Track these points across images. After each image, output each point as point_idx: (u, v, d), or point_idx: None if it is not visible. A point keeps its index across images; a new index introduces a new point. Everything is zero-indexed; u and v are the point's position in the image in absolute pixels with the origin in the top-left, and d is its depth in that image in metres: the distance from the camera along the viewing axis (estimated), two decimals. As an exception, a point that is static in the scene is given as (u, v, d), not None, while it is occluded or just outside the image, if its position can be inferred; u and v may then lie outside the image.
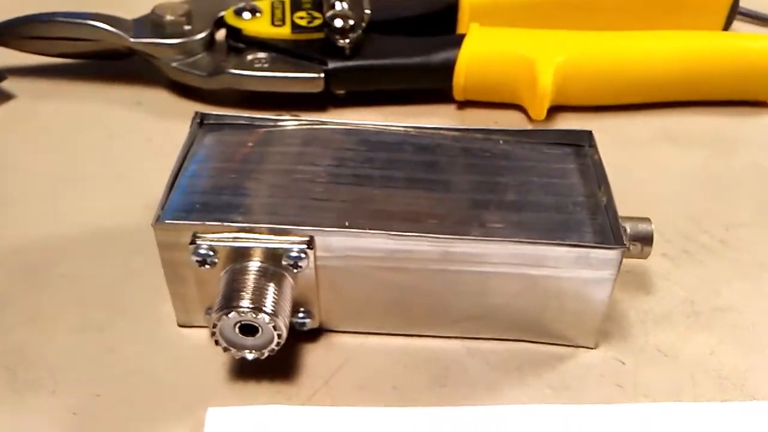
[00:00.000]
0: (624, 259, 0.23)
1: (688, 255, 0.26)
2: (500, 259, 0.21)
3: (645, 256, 0.23)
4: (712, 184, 0.30)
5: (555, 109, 0.33)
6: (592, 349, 0.23)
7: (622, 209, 0.23)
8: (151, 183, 0.28)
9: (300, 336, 0.23)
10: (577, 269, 0.21)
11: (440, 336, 0.23)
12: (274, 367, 0.22)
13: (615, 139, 0.32)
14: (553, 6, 0.35)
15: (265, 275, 0.20)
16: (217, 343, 0.21)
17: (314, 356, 0.22)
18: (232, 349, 0.21)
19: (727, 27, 0.37)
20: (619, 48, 0.32)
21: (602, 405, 0.21)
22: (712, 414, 0.21)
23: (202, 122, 0.25)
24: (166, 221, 0.21)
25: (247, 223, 0.21)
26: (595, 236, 0.21)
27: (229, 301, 0.20)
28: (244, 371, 0.22)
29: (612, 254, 0.21)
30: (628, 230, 0.23)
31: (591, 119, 0.32)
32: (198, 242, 0.20)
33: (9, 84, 0.33)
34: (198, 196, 0.22)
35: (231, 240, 0.20)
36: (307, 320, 0.22)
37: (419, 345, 0.23)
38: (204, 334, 0.23)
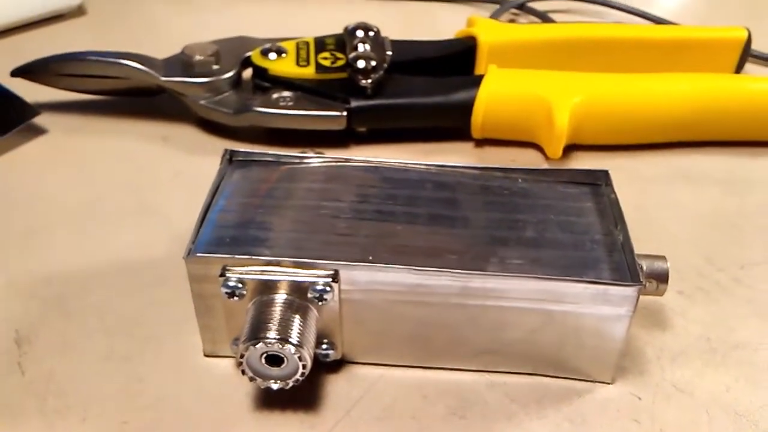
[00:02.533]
0: (640, 296, 0.24)
1: (703, 292, 0.27)
2: (519, 294, 0.21)
3: (661, 294, 0.24)
4: (726, 223, 0.30)
5: (571, 148, 0.33)
6: (609, 384, 0.23)
7: (638, 247, 0.23)
8: (177, 216, 0.29)
9: (323, 367, 0.23)
10: (594, 306, 0.21)
11: (459, 369, 0.23)
12: (298, 397, 0.22)
13: (629, 178, 0.32)
14: (570, 48, 0.36)
15: (291, 307, 0.21)
16: (243, 373, 0.21)
17: (336, 387, 0.23)
18: (258, 379, 0.21)
19: (739, 69, 0.38)
20: (634, 89, 0.33)
21: (619, 440, 0.22)
22: (728, 450, 0.21)
23: (231, 159, 0.26)
24: (198, 254, 0.21)
25: (275, 256, 0.21)
26: (612, 273, 0.22)
27: (257, 332, 0.20)
28: (269, 401, 0.22)
29: (629, 291, 0.21)
30: (644, 268, 0.23)
31: (606, 158, 0.33)
32: (227, 275, 0.21)
33: (42, 119, 0.34)
34: (227, 231, 0.22)
35: (259, 273, 0.21)
36: (331, 351, 0.23)
37: (439, 377, 0.23)
38: (230, 363, 0.23)
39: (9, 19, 0.42)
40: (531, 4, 0.45)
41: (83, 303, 0.26)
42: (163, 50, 0.35)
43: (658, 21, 0.44)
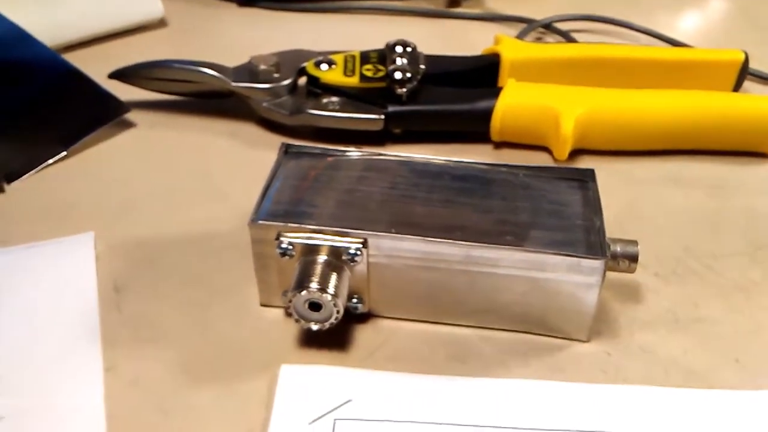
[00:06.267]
0: (618, 274, 0.29)
1: (676, 276, 0.32)
2: (510, 263, 0.27)
3: (632, 271, 0.29)
4: (707, 221, 0.35)
5: (576, 152, 0.38)
6: (585, 342, 0.29)
7: (625, 236, 0.28)
8: (240, 197, 0.35)
9: (353, 318, 0.29)
10: (570, 275, 0.27)
11: (461, 324, 0.29)
12: (333, 339, 0.28)
13: (625, 179, 0.37)
14: (581, 66, 0.41)
15: (329, 266, 0.27)
16: (290, 315, 0.27)
17: (363, 334, 0.29)
18: (301, 320, 0.27)
19: (737, 87, 0.42)
20: (632, 103, 0.37)
21: (587, 384, 0.27)
22: (675, 395, 0.26)
23: (287, 150, 0.32)
24: (259, 222, 0.27)
25: (318, 226, 0.27)
26: (586, 250, 0.27)
27: (302, 283, 0.26)
28: (310, 340, 0.28)
29: (597, 264, 0.26)
30: (619, 249, 0.28)
31: (606, 161, 0.38)
32: (281, 239, 0.27)
33: (132, 115, 0.41)
34: (282, 205, 0.28)
35: (305, 238, 0.27)
36: (359, 305, 0.29)
37: (444, 330, 0.29)
38: (280, 312, 0.29)
39: (100, 29, 0.49)
40: (556, 24, 0.50)
41: (166, 262, 0.32)
42: (232, 59, 0.41)
43: (672, 42, 0.48)
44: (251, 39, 0.50)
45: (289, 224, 0.27)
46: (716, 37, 0.52)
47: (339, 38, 0.46)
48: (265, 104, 0.40)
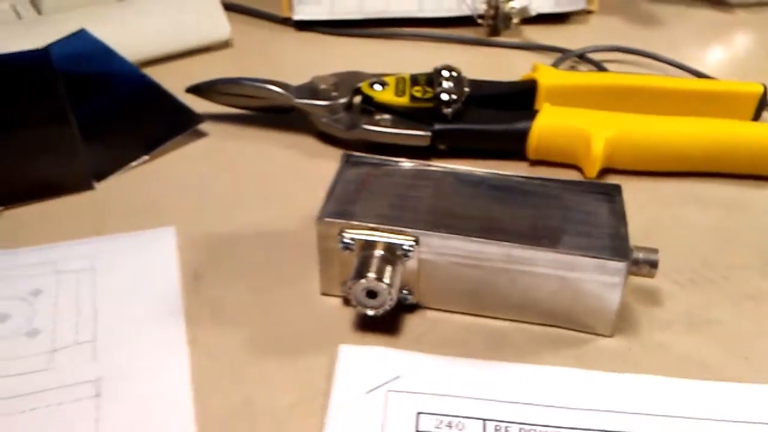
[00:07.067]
0: (640, 279, 0.32)
1: (693, 283, 0.35)
2: (545, 263, 0.31)
3: (652, 276, 0.32)
4: (724, 237, 0.38)
5: (605, 171, 0.42)
6: (608, 337, 0.32)
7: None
8: (300, 200, 0.40)
9: (403, 308, 0.33)
10: (596, 275, 0.30)
11: (498, 318, 0.33)
12: (385, 325, 0.32)
13: (650, 197, 0.41)
14: (611, 93, 0.45)
15: (385, 260, 0.31)
16: (348, 301, 0.31)
17: (412, 322, 0.33)
18: (359, 306, 0.31)
19: (757, 117, 0.45)
20: (658, 128, 0.41)
21: (609, 372, 0.30)
22: (688, 386, 0.30)
23: (347, 160, 0.36)
24: (325, 219, 0.32)
25: (376, 224, 0.31)
26: (611, 253, 0.30)
27: (361, 273, 0.30)
28: (365, 325, 0.32)
29: (620, 265, 0.30)
30: (641, 256, 0.32)
31: (632, 180, 0.42)
32: (344, 235, 0.31)
33: (204, 126, 0.45)
34: (344, 206, 0.32)
35: (365, 235, 0.31)
36: (409, 297, 0.33)
37: (483, 322, 0.33)
38: (338, 300, 0.33)
39: (173, 48, 0.54)
40: (589, 55, 0.54)
41: (238, 254, 0.36)
42: (289, 79, 0.45)
43: (696, 73, 0.52)
44: (307, 60, 0.55)
45: (351, 222, 0.31)
46: (739, 70, 0.55)
47: (391, 62, 0.50)
48: (323, 119, 0.44)
